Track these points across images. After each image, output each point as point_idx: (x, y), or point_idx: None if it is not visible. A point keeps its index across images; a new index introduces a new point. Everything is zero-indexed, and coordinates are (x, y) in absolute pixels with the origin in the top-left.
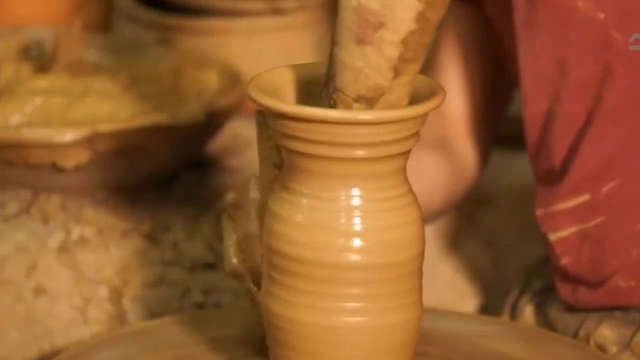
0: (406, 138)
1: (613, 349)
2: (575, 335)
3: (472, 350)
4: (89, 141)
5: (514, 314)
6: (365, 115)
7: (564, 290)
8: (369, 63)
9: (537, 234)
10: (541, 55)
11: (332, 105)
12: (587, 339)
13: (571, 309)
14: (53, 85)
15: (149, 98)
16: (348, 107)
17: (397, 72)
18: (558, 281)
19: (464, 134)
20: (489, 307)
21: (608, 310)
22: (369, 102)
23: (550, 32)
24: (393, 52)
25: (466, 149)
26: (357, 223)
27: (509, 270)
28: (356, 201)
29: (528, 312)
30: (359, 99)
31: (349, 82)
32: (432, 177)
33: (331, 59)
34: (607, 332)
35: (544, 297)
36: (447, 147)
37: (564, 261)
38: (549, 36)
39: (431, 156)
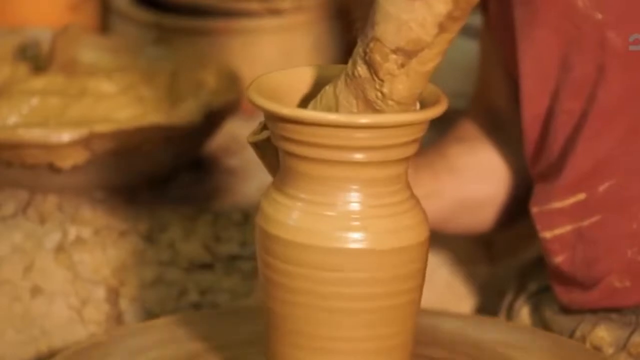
0: (406, 144)
1: (609, 350)
2: (571, 337)
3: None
4: (86, 141)
5: (510, 315)
6: (364, 119)
7: (560, 291)
8: (415, 17)
9: (533, 235)
10: (543, 52)
11: (368, 53)
12: (583, 340)
13: (567, 310)
14: (50, 85)
15: (146, 98)
16: (384, 58)
17: (441, 29)
18: (553, 282)
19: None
20: (485, 308)
21: (604, 311)
22: (407, 55)
23: (553, 30)
24: (442, 9)
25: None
26: (355, 227)
27: (506, 271)
28: (354, 206)
29: (524, 313)
30: (397, 50)
31: (391, 33)
32: (501, 176)
33: (374, 7)
34: (603, 334)
35: (540, 299)
36: (501, 154)
37: (559, 259)
38: (552, 33)
39: (494, 158)
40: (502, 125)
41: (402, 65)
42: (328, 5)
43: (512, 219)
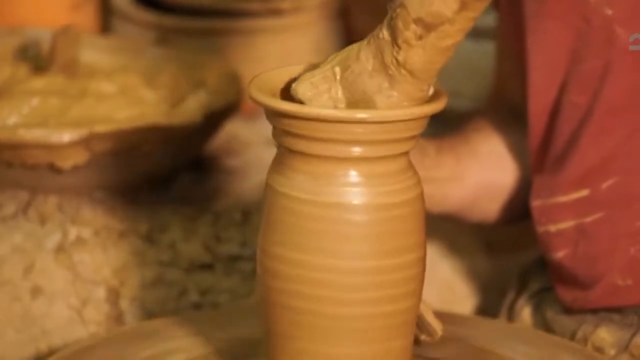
0: (405, 139)
1: (611, 351)
2: (572, 338)
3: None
4: (87, 142)
5: (511, 315)
6: (363, 114)
7: (561, 290)
8: None
9: (535, 234)
10: (552, 44)
11: (394, 18)
12: (585, 341)
13: (569, 310)
14: (50, 86)
15: (147, 99)
16: (406, 26)
17: (463, 5)
18: (555, 281)
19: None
20: (486, 308)
21: (605, 311)
22: (427, 27)
23: (563, 22)
24: None
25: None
26: (355, 223)
27: (507, 271)
28: (354, 201)
29: (526, 313)
30: (418, 21)
31: (415, 2)
32: (520, 166)
33: None
34: (605, 335)
35: (542, 299)
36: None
37: (560, 254)
38: (561, 26)
39: (513, 149)
40: (519, 118)
41: (420, 37)
42: (328, 5)
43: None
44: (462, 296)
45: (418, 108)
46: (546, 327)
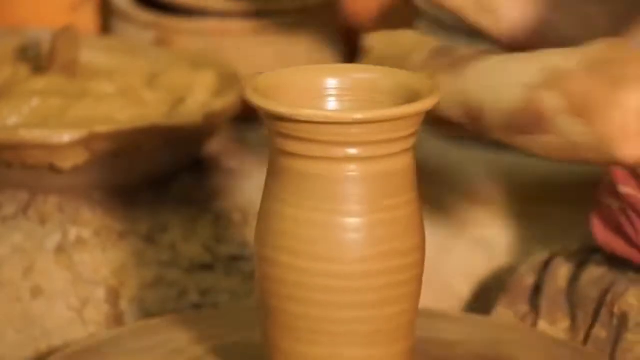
0: (402, 138)
1: (637, 318)
2: (600, 302)
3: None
4: (87, 142)
5: (545, 273)
6: (357, 115)
7: (600, 233)
8: None
9: (532, 233)
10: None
11: None
12: (612, 305)
13: (605, 266)
14: (50, 86)
15: (146, 99)
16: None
17: None
18: (597, 218)
19: None
20: (485, 308)
21: (635, 272)
22: None
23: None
24: None
25: None
26: (354, 226)
27: (504, 271)
28: (353, 201)
29: (563, 272)
30: None
31: None
32: None
33: None
34: (633, 300)
35: (582, 260)
36: None
37: (627, 189)
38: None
39: None
40: None
41: None
42: (327, 6)
43: None
44: (461, 296)
45: (409, 106)
46: (576, 287)
